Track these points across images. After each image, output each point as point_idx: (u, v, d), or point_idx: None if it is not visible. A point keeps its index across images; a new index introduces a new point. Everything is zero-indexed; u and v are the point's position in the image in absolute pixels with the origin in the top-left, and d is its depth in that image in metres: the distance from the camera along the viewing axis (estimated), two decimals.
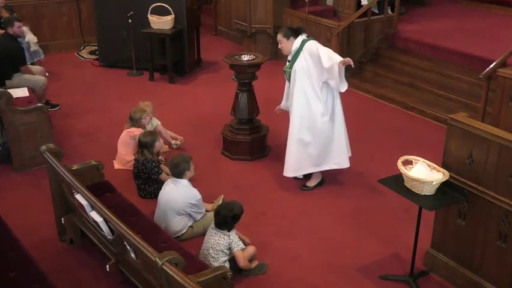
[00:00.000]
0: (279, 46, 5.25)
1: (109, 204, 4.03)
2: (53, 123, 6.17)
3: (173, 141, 6.24)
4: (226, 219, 4.17)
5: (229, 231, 4.19)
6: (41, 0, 9.41)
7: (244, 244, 4.32)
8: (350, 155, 5.41)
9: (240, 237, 4.31)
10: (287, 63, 5.26)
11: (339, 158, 5.31)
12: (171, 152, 5.98)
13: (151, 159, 5.19)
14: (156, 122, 6.13)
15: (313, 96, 5.10)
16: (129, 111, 5.92)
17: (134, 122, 5.82)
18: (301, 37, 5.13)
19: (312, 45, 5.07)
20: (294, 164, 5.32)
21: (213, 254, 4.17)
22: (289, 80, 5.28)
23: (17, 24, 6.73)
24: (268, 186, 5.53)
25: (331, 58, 4.91)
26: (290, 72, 5.19)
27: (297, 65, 5.11)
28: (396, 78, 7.80)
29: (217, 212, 4.22)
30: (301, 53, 5.08)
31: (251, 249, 4.35)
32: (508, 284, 3.76)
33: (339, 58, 4.90)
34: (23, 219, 4.85)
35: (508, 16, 9.25)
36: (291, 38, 5.12)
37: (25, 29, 7.47)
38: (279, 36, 5.17)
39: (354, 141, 6.10)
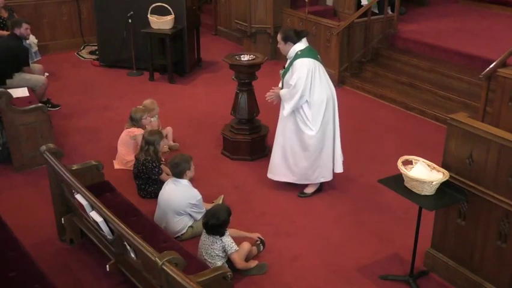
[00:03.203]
0: (278, 45, 5.18)
1: (109, 204, 4.02)
2: (53, 123, 6.17)
3: (172, 143, 6.23)
4: (215, 228, 4.14)
5: (221, 236, 4.17)
6: (41, 0, 9.40)
7: (238, 245, 4.26)
8: (342, 159, 5.32)
9: (235, 236, 4.31)
10: (286, 66, 5.16)
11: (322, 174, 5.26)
12: (171, 152, 5.98)
13: (151, 160, 5.19)
14: (169, 129, 6.20)
15: (297, 111, 5.03)
16: (129, 111, 5.93)
17: (135, 122, 5.83)
18: (300, 46, 4.98)
19: (298, 65, 4.91)
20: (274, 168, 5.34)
21: (209, 260, 4.16)
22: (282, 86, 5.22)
23: (24, 25, 6.77)
24: (268, 186, 5.53)
25: (289, 95, 4.93)
26: (283, 80, 5.15)
27: (287, 77, 5.05)
28: (396, 78, 7.80)
29: (205, 223, 4.16)
30: (291, 67, 5.00)
31: (245, 246, 4.31)
32: (508, 284, 3.76)
33: (287, 101, 4.95)
34: (23, 219, 4.85)
35: (508, 16, 9.25)
36: (289, 43, 5.00)
37: None
38: (278, 37, 5.07)
39: (354, 141, 6.11)
